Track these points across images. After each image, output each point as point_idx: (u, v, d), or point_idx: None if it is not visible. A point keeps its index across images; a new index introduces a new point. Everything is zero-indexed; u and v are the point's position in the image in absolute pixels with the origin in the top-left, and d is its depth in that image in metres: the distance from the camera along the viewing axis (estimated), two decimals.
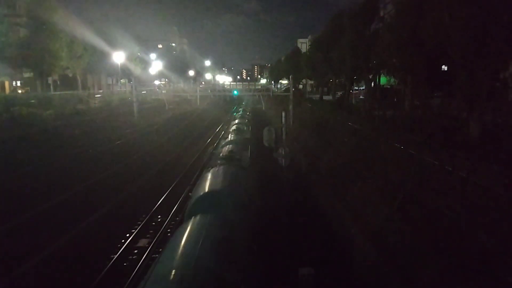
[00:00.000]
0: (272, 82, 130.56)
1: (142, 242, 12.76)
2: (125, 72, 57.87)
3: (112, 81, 71.18)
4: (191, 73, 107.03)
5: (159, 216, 15.00)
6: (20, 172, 18.21)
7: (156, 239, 12.68)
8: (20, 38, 39.44)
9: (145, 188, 18.51)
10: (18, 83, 50.68)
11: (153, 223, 14.38)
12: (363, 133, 21.45)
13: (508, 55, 15.66)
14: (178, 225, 11.34)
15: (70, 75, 50.83)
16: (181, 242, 6.09)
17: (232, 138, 17.85)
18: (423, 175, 12.10)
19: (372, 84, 37.44)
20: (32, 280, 10.12)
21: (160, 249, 10.42)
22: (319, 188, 16.60)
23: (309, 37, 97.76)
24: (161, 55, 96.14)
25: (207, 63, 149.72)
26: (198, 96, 52.39)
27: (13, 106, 28.08)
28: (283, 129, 15.73)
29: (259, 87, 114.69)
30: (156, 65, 79.48)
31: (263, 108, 47.46)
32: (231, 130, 21.98)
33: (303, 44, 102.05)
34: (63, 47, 40.20)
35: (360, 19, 32.81)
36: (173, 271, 5.03)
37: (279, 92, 70.18)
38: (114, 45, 50.43)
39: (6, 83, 47.71)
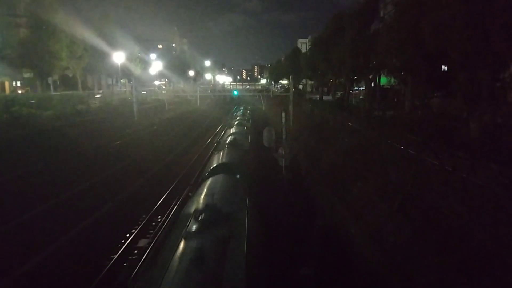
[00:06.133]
0: (272, 82, 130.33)
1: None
2: (125, 72, 57.69)
3: (112, 81, 71.00)
4: (191, 73, 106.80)
5: (159, 216, 15.14)
6: (20, 172, 18.18)
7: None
8: (20, 38, 39.36)
9: (144, 188, 18.53)
10: (18, 83, 50.62)
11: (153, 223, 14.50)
12: (363, 133, 21.44)
13: (508, 55, 15.62)
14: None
15: (70, 75, 50.72)
16: (200, 194, 8.42)
17: (235, 130, 21.11)
18: (423, 175, 12.10)
19: (372, 84, 37.40)
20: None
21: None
22: (319, 188, 16.60)
23: (309, 37, 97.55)
24: (161, 55, 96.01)
25: (207, 63, 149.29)
26: (198, 96, 52.36)
27: (13, 106, 27.97)
28: (283, 129, 15.75)
29: (259, 87, 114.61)
30: (156, 65, 79.19)
31: (263, 108, 47.46)
32: (233, 125, 24.79)
33: (303, 44, 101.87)
34: (63, 47, 40.08)
35: (360, 19, 32.72)
36: (194, 210, 7.18)
37: (279, 92, 70.11)
38: (114, 45, 50.26)
39: (6, 83, 47.62)
